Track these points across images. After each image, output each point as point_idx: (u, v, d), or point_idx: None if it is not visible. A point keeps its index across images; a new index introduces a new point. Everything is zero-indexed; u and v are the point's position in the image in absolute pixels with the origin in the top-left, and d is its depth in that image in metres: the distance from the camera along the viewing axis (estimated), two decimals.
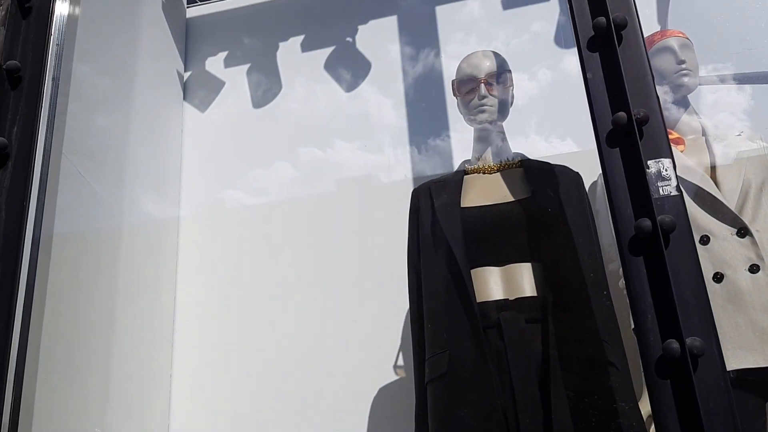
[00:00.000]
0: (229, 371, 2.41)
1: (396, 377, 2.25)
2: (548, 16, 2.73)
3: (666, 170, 1.26)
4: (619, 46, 1.36)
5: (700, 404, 1.08)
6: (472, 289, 1.55)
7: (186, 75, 2.95)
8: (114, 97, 2.26)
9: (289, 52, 2.93)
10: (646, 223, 1.20)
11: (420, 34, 2.83)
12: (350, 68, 2.84)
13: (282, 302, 2.48)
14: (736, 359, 1.55)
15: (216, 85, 2.90)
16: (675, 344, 1.12)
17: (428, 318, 1.65)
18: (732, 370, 1.53)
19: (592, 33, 1.38)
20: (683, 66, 1.89)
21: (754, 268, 1.61)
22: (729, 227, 1.66)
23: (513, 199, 1.68)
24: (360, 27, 2.89)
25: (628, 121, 1.28)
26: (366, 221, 2.51)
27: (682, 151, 1.86)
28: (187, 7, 3.09)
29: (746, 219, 1.66)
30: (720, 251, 1.65)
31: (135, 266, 2.24)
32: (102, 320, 1.98)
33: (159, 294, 2.43)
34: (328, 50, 2.88)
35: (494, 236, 1.63)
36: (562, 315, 1.52)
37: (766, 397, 1.57)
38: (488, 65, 1.84)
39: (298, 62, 2.91)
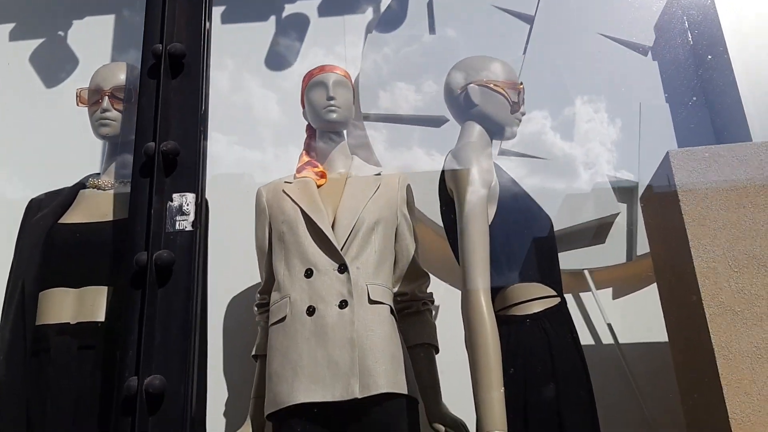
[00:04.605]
0: None
1: None
2: None
3: (188, 205, 1.25)
4: (178, 75, 1.35)
5: None
6: (32, 311, 1.47)
7: None
8: None
9: None
10: (143, 257, 1.19)
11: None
12: (58, 63, 2.67)
13: None
14: (308, 392, 1.59)
15: None
16: (133, 382, 1.10)
17: None
18: (302, 403, 1.58)
19: (153, 60, 1.37)
20: (332, 102, 1.93)
21: (343, 304, 1.66)
22: (333, 262, 1.72)
23: (110, 219, 1.62)
24: (75, 22, 2.74)
25: (156, 152, 1.26)
26: None
27: (320, 186, 1.90)
28: None
29: (350, 256, 1.72)
30: (319, 285, 1.69)
31: None
32: None
33: None
34: (37, 42, 2.70)
35: (76, 256, 1.56)
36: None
37: (331, 429, 1.62)
38: (119, 78, 1.77)
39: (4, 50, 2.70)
